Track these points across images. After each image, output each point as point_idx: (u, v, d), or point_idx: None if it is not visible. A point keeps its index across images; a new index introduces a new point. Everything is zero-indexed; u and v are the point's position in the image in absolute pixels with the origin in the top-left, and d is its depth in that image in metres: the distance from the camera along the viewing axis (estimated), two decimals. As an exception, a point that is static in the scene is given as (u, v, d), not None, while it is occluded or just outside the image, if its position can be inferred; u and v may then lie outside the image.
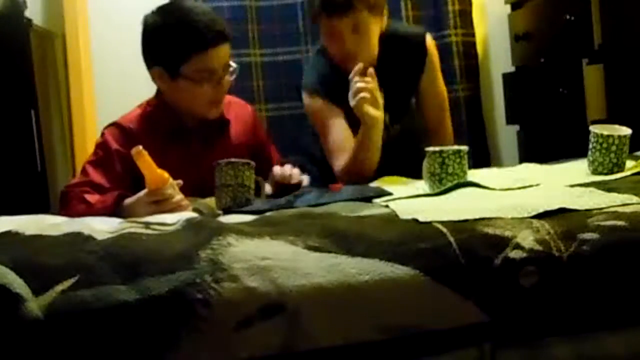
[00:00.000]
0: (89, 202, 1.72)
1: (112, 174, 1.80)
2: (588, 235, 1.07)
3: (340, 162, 1.92)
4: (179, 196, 1.62)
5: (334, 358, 1.01)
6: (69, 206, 1.74)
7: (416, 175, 1.69)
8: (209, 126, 1.92)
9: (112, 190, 1.73)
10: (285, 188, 1.76)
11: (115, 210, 1.64)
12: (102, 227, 1.37)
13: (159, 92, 1.94)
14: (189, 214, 1.45)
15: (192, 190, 1.70)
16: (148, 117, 1.90)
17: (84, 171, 1.83)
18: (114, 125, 1.89)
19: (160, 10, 1.85)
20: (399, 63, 2.06)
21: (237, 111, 2.04)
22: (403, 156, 1.96)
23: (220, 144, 1.92)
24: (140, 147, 1.58)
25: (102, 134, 1.89)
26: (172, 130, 1.86)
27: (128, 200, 1.66)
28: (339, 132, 1.95)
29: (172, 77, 1.83)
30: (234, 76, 1.90)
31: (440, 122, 2.19)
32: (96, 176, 1.78)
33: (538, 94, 2.48)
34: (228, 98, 1.99)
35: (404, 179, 1.76)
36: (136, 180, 1.67)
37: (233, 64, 1.89)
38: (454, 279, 1.03)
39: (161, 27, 1.82)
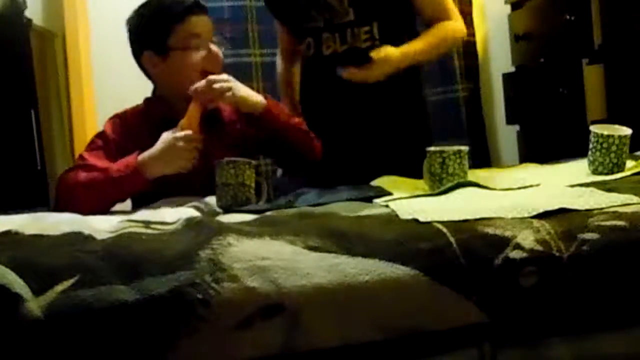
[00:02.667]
0: (100, 169, 1.72)
1: (109, 159, 1.79)
2: (588, 235, 1.07)
3: None
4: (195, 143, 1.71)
5: (334, 358, 1.01)
6: (75, 178, 1.73)
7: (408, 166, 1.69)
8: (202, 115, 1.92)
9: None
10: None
11: (136, 167, 1.69)
12: (102, 226, 1.37)
13: (154, 89, 1.97)
14: (188, 214, 1.45)
15: (186, 177, 1.74)
16: (144, 110, 1.93)
17: (80, 158, 1.82)
18: (113, 117, 1.92)
19: (138, 6, 1.92)
20: None
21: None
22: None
23: (214, 132, 1.91)
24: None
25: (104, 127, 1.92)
26: (165, 120, 1.85)
27: (143, 155, 1.71)
28: None
29: (162, 56, 1.86)
30: (223, 48, 1.91)
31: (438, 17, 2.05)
32: (94, 159, 1.78)
33: (538, 94, 2.49)
34: None
35: (404, 179, 1.76)
36: None
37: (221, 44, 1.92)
38: (454, 279, 1.03)
39: (140, 14, 1.88)
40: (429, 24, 2.04)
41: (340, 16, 1.96)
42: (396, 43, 1.95)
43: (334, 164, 2.00)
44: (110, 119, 1.92)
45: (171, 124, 1.80)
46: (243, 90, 1.83)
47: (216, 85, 1.77)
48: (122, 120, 1.90)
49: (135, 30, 1.89)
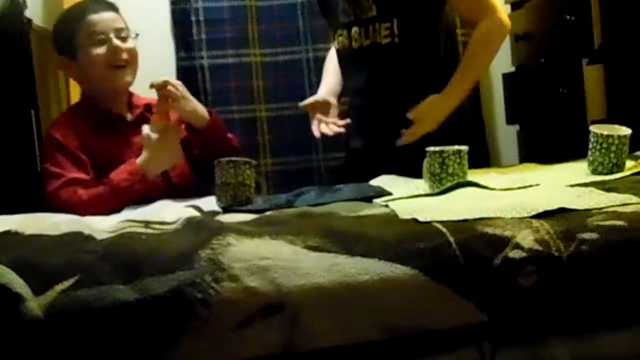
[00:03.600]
0: (97, 184, 1.78)
1: (83, 165, 1.84)
2: (587, 235, 1.07)
3: None
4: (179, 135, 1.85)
5: (334, 358, 1.01)
6: (75, 199, 1.75)
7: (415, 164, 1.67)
8: (136, 109, 2.00)
9: (91, 178, 1.81)
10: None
11: (139, 171, 1.79)
12: (102, 226, 1.37)
13: (82, 92, 2.06)
14: (188, 214, 1.45)
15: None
16: (78, 109, 1.99)
17: (46, 175, 1.82)
18: (55, 122, 1.97)
19: None
20: None
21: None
22: (374, 71, 1.99)
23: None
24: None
25: (44, 140, 1.92)
26: (103, 116, 1.94)
27: (140, 159, 1.82)
28: None
29: (73, 58, 1.94)
30: (131, 42, 1.97)
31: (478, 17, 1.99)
32: (72, 173, 1.81)
33: (538, 94, 2.48)
34: (142, 99, 2.06)
35: (404, 178, 1.76)
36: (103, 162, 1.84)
37: (130, 33, 1.98)
38: (453, 279, 1.03)
39: (54, 23, 2.02)
40: (468, 21, 2.03)
41: (366, 11, 1.99)
42: (417, 41, 1.97)
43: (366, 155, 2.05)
44: (53, 124, 1.94)
45: (109, 118, 1.92)
46: (191, 103, 1.91)
47: (169, 88, 1.86)
48: (58, 123, 1.94)
49: (53, 42, 2.01)
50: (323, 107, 2.13)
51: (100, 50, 1.91)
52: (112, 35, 1.92)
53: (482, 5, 1.98)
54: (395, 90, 2.00)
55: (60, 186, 1.78)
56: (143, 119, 1.95)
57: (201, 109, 1.94)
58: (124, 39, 1.95)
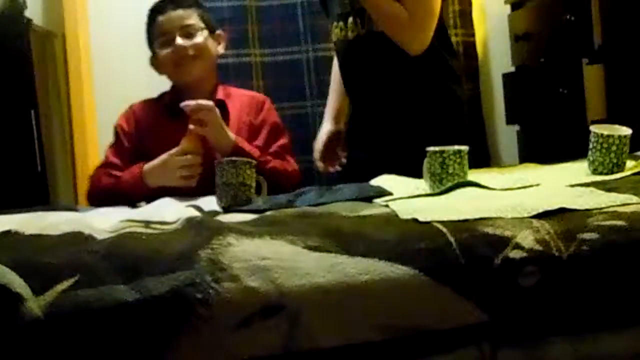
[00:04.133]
0: (115, 176, 1.93)
1: (123, 151, 1.99)
2: (588, 235, 1.07)
3: None
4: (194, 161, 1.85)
5: (334, 358, 1.01)
6: (98, 183, 1.95)
7: (414, 164, 1.67)
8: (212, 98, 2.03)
9: (125, 168, 1.94)
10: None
11: (141, 177, 1.87)
12: (102, 226, 1.37)
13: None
14: (188, 214, 1.45)
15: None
16: (154, 98, 2.09)
17: (106, 154, 2.03)
18: (127, 108, 2.08)
19: None
20: None
21: (243, 96, 2.12)
22: (371, 60, 1.98)
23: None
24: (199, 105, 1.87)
25: None
26: (169, 105, 2.01)
27: (149, 165, 1.88)
28: None
29: (155, 55, 2.04)
30: (198, 38, 2.01)
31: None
32: (111, 157, 1.99)
33: (538, 94, 2.48)
34: (233, 90, 2.11)
35: (404, 178, 1.76)
36: (140, 155, 1.93)
37: (200, 28, 2.03)
38: (454, 279, 1.03)
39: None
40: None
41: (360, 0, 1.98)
42: None
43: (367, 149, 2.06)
44: (125, 111, 2.06)
45: (175, 109, 1.93)
46: (217, 129, 1.90)
47: (200, 115, 1.87)
48: (129, 110, 2.06)
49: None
50: (335, 141, 2.20)
51: (166, 51, 1.99)
52: (177, 34, 1.98)
53: (419, 19, 1.90)
54: (391, 77, 2.00)
55: (102, 166, 1.99)
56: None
57: (226, 136, 1.91)
58: (190, 35, 2.00)
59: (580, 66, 2.15)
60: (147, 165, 1.87)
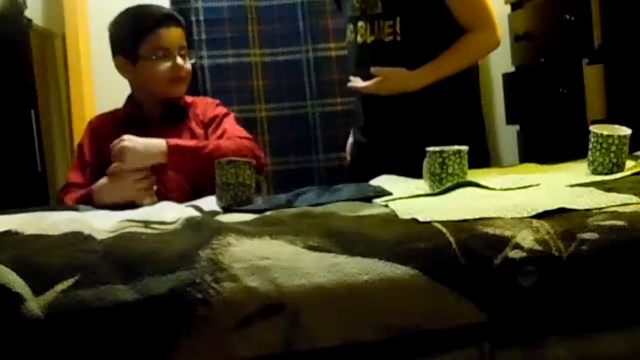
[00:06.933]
0: (74, 196, 1.89)
1: (85, 167, 1.98)
2: (587, 235, 1.07)
3: None
4: (137, 176, 1.81)
5: (334, 358, 1.01)
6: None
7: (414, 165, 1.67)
8: (168, 111, 2.04)
9: (87, 184, 1.91)
10: None
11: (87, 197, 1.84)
12: (102, 226, 1.37)
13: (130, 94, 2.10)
14: (188, 214, 1.45)
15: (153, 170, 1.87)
16: (110, 111, 2.10)
17: (66, 177, 2.02)
18: (88, 124, 2.10)
19: (121, 11, 2.07)
20: None
21: (200, 102, 2.14)
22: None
23: (180, 128, 2.02)
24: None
25: None
26: (127, 117, 2.01)
27: (96, 185, 1.85)
28: None
29: (132, 62, 1.99)
30: (192, 60, 2.07)
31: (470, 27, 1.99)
32: (71, 177, 1.98)
33: (538, 94, 2.48)
34: (189, 98, 2.12)
35: (404, 178, 1.76)
36: (102, 170, 1.88)
37: (191, 53, 2.08)
38: (453, 279, 1.03)
39: (117, 21, 2.04)
40: (464, 26, 2.01)
41: (372, 7, 2.00)
42: (420, 41, 1.97)
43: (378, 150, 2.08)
44: (85, 128, 2.07)
45: (136, 122, 1.95)
46: (136, 153, 1.84)
47: (116, 157, 1.83)
48: (90, 125, 2.07)
49: (111, 36, 2.04)
50: None
51: (164, 65, 1.97)
52: (176, 52, 1.98)
53: (480, 17, 2.00)
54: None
55: (61, 188, 1.95)
56: (168, 117, 2.02)
57: (156, 148, 1.85)
58: (183, 57, 2.02)
59: (580, 66, 2.15)
60: (96, 184, 1.85)
